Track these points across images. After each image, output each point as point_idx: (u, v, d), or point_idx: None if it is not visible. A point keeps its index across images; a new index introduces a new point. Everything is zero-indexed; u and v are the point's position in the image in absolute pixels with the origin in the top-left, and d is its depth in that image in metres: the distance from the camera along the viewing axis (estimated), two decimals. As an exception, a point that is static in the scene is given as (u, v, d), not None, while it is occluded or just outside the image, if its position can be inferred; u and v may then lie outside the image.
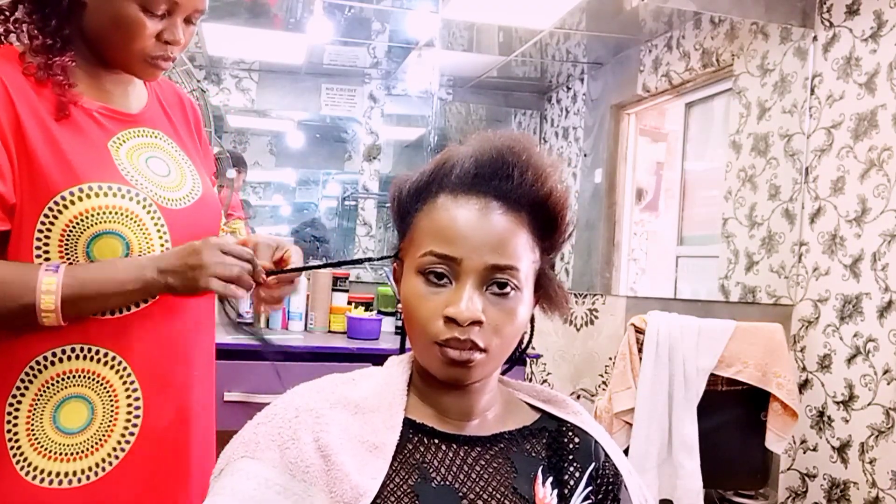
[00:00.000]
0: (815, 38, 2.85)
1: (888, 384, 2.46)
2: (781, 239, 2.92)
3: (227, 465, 0.73)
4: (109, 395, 0.96)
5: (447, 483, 0.75)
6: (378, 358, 1.64)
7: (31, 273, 0.89)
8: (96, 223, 0.93)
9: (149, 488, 1.00)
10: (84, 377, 0.95)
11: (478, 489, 0.75)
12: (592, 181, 3.64)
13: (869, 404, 2.52)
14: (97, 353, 0.96)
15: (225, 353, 1.26)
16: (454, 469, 0.76)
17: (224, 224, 1.25)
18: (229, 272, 0.93)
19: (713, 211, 3.25)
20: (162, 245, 0.99)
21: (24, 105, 0.92)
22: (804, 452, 2.78)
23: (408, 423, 0.77)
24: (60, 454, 0.94)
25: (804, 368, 2.80)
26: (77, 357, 0.95)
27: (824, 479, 2.69)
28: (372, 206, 3.26)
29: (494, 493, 0.75)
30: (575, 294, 2.73)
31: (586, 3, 3.06)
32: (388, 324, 2.26)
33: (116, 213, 0.94)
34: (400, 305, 0.80)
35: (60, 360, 0.94)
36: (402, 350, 0.90)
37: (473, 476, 0.76)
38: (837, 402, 2.65)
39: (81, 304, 0.92)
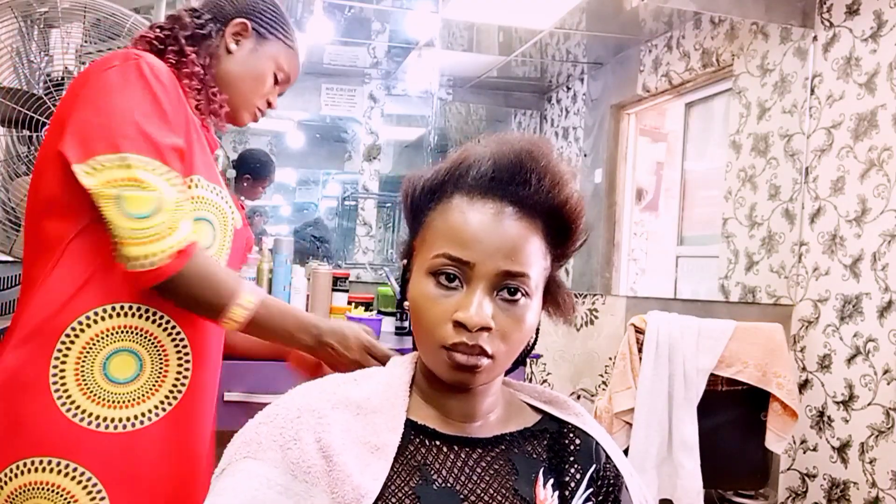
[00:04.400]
0: (815, 38, 2.85)
1: (888, 384, 2.46)
2: (781, 239, 2.92)
3: (229, 465, 0.73)
4: (157, 349, 1.04)
5: (448, 485, 0.75)
6: (378, 358, 1.64)
7: (236, 284, 1.03)
8: (199, 209, 1.06)
9: (181, 446, 1.06)
10: (131, 332, 1.02)
11: (479, 491, 0.75)
12: (592, 181, 3.64)
13: (869, 404, 2.52)
14: (149, 312, 1.03)
15: (225, 353, 1.26)
16: (455, 471, 0.76)
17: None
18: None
19: (713, 211, 3.25)
20: (223, 244, 1.12)
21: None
22: (804, 452, 2.78)
23: (409, 425, 0.77)
24: (108, 401, 1.01)
25: (804, 368, 2.80)
26: (125, 314, 1.02)
27: (824, 479, 2.69)
28: (372, 206, 3.26)
29: (495, 494, 0.75)
30: (575, 294, 2.72)
31: (586, 3, 3.06)
32: (388, 324, 2.26)
33: (211, 205, 1.08)
34: (406, 304, 0.80)
35: (111, 317, 1.01)
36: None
37: (474, 478, 0.76)
38: (837, 402, 2.65)
39: (257, 330, 1.05)
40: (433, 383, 0.79)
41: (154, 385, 1.03)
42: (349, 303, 2.24)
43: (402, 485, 0.74)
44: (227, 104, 1.18)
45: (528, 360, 0.92)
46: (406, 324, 2.08)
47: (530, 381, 2.58)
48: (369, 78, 3.28)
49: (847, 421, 2.61)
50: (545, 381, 2.67)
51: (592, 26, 3.46)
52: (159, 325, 1.03)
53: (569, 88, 3.80)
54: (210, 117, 1.16)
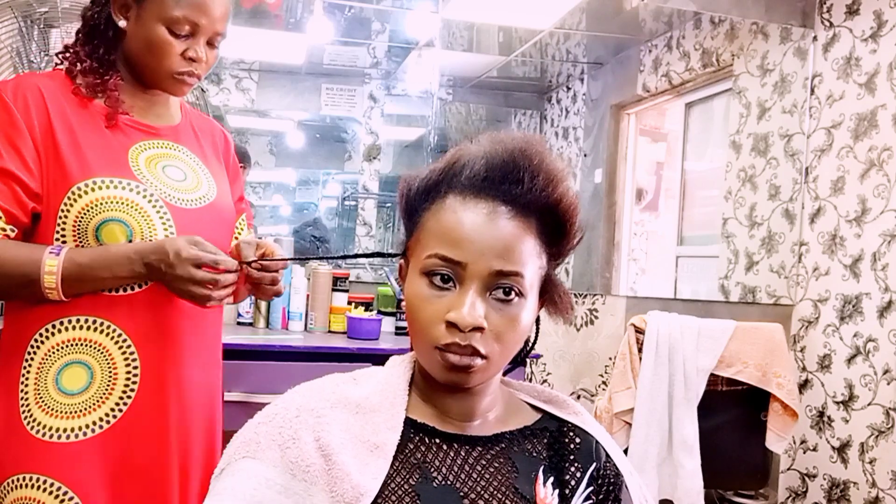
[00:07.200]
0: (815, 38, 2.85)
1: (888, 384, 2.46)
2: (781, 239, 2.92)
3: (228, 465, 0.73)
4: (107, 361, 1.09)
5: (448, 483, 0.75)
6: (378, 358, 1.64)
7: (38, 254, 1.04)
8: (103, 211, 1.07)
9: (141, 448, 1.10)
10: (84, 345, 1.08)
11: (479, 489, 0.75)
12: (592, 181, 3.64)
13: (869, 404, 2.52)
14: (98, 323, 1.09)
15: (225, 352, 1.26)
16: (455, 469, 0.76)
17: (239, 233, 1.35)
18: (200, 290, 1.06)
19: (713, 211, 3.25)
20: (150, 235, 1.11)
21: (56, 111, 1.08)
22: (804, 452, 2.78)
23: (409, 423, 0.77)
24: (62, 412, 1.07)
25: (804, 368, 2.80)
26: (79, 327, 1.08)
27: (824, 479, 2.69)
28: (372, 206, 3.26)
29: (495, 492, 0.75)
30: (575, 294, 2.73)
31: (586, 3, 3.06)
32: (388, 324, 2.26)
33: (122, 204, 1.08)
34: (403, 304, 0.80)
35: (66, 329, 1.08)
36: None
37: (474, 476, 0.76)
38: (837, 402, 2.65)
39: (79, 285, 1.06)
40: (431, 383, 0.79)
41: (104, 394, 1.08)
42: (349, 303, 2.25)
43: (402, 483, 0.74)
44: (147, 81, 1.15)
45: (527, 360, 0.92)
46: (406, 323, 2.09)
47: (530, 381, 2.58)
48: (369, 78, 3.28)
49: (847, 421, 2.61)
50: (545, 381, 2.67)
51: (592, 26, 3.46)
52: (111, 337, 1.09)
53: (569, 88, 3.80)
54: (124, 102, 1.14)
